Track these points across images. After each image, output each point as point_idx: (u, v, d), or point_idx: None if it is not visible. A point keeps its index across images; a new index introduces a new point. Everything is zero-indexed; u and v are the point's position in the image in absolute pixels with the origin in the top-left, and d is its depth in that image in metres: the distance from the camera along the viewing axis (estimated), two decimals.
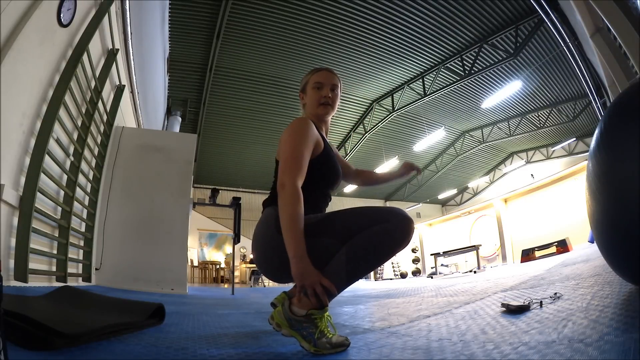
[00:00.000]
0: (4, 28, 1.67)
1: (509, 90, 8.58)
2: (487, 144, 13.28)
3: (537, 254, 6.76)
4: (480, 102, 9.98)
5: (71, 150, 2.70)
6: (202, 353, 0.98)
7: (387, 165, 11.18)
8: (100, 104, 3.13)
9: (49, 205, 2.40)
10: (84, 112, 2.81)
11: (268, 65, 8.26)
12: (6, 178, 1.81)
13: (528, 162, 14.92)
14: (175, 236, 3.99)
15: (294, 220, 1.01)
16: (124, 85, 3.87)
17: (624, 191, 1.03)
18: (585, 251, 4.34)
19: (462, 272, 8.59)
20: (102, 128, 3.46)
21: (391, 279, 11.31)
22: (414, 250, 12.33)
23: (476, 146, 13.58)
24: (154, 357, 0.93)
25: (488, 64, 8.45)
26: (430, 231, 12.40)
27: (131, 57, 4.05)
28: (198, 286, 8.70)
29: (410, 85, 9.53)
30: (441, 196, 16.52)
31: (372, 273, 9.56)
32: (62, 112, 2.28)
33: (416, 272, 11.87)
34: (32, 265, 2.02)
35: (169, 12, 6.45)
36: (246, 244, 12.01)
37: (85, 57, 2.57)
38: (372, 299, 3.18)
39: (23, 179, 2.00)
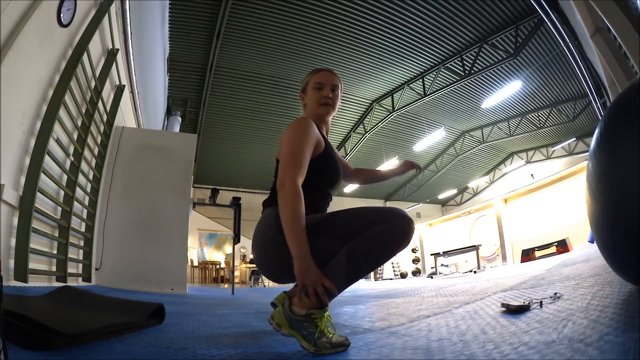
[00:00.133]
0: (4, 28, 1.67)
1: (509, 90, 8.59)
2: (487, 144, 13.28)
3: (537, 254, 6.76)
4: (480, 102, 9.98)
5: (71, 150, 2.70)
6: (202, 353, 0.98)
7: (387, 165, 11.19)
8: (100, 104, 3.13)
9: (49, 205, 2.40)
10: (84, 112, 2.81)
11: (268, 65, 8.26)
12: (6, 178, 1.81)
13: (528, 162, 14.93)
14: (175, 236, 3.99)
15: (295, 218, 1.00)
16: (124, 85, 3.87)
17: (624, 191, 1.03)
18: (585, 251, 4.34)
19: (462, 272, 8.59)
20: (102, 128, 3.46)
21: (391, 279, 11.31)
22: (414, 250, 12.33)
23: (476, 146, 13.58)
24: (154, 357, 0.93)
25: (488, 64, 8.45)
26: (430, 231, 12.40)
27: (131, 57, 4.04)
28: (198, 286, 8.70)
29: (410, 85, 9.53)
30: (441, 196, 16.52)
31: (372, 273, 9.55)
32: (62, 112, 2.28)
33: (416, 272, 11.87)
34: (32, 265, 2.02)
35: (169, 12, 6.45)
36: (246, 244, 12.01)
37: (85, 57, 2.57)
38: (372, 299, 3.17)
39: (23, 179, 2.00)
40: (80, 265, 3.13)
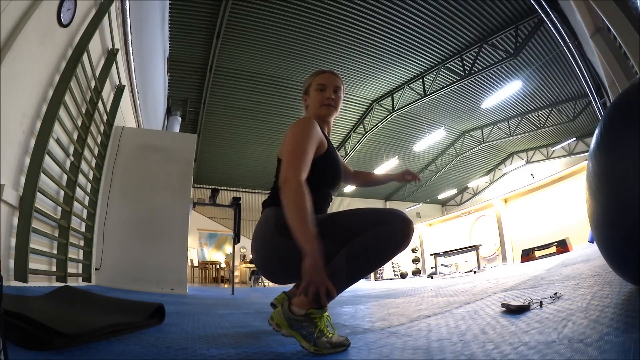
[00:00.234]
0: (4, 28, 1.67)
1: (509, 90, 8.58)
2: (487, 144, 13.28)
3: (537, 254, 6.76)
4: (480, 102, 9.98)
5: (71, 150, 2.70)
6: (202, 353, 0.98)
7: (387, 165, 11.19)
8: (100, 104, 3.13)
9: (49, 205, 2.40)
10: (84, 112, 2.81)
11: (268, 65, 8.25)
12: (6, 178, 1.81)
13: (528, 162, 14.92)
14: (175, 236, 3.99)
15: (303, 212, 0.96)
16: (124, 85, 3.87)
17: (624, 191, 1.03)
18: (585, 251, 4.34)
19: (462, 272, 8.59)
20: (102, 128, 3.46)
21: (391, 279, 11.31)
22: (414, 250, 12.33)
23: (476, 146, 13.58)
24: (154, 357, 0.93)
25: (488, 64, 8.45)
26: (430, 231, 12.39)
27: (131, 57, 4.04)
28: (198, 286, 8.70)
29: (410, 85, 9.53)
30: (441, 196, 16.52)
31: (372, 273, 9.55)
32: (62, 112, 2.28)
33: (416, 272, 11.87)
34: (32, 265, 2.02)
35: (169, 12, 6.45)
36: (246, 244, 12.01)
37: (85, 57, 2.57)
38: (372, 299, 3.17)
39: (23, 179, 2.00)
40: (80, 265, 3.13)
